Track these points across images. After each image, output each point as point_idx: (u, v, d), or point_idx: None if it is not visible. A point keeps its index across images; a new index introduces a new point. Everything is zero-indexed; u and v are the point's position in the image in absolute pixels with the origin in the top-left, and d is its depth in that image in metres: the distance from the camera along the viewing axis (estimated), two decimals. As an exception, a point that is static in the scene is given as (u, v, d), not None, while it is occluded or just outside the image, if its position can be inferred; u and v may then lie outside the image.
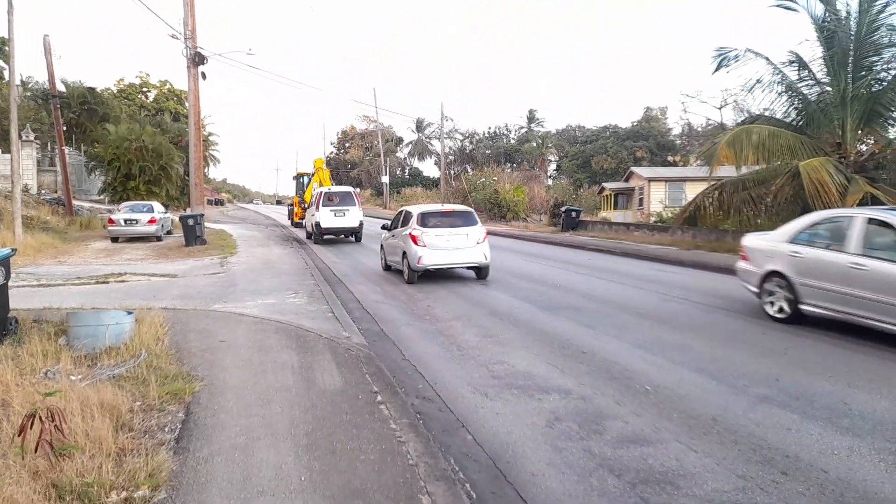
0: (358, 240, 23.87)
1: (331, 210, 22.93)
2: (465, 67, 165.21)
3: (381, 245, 15.91)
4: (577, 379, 6.23)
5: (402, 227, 13.94)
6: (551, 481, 4.12)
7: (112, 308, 7.86)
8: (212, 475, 3.88)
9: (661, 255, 17.48)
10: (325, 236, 23.75)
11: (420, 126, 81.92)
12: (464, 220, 13.54)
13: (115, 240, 22.28)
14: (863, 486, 3.92)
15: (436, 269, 13.17)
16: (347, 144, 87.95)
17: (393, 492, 3.73)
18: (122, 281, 12.68)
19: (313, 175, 32.74)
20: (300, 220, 30.97)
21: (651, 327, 8.45)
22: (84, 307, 8.61)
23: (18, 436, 3.43)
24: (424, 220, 13.25)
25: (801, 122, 18.44)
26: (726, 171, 20.67)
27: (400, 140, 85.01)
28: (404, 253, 13.39)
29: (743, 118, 21.84)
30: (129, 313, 7.09)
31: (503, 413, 5.38)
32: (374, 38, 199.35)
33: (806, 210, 17.82)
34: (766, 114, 19.34)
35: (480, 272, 13.50)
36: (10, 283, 7.57)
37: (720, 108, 57.26)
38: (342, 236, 24.34)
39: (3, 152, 27.41)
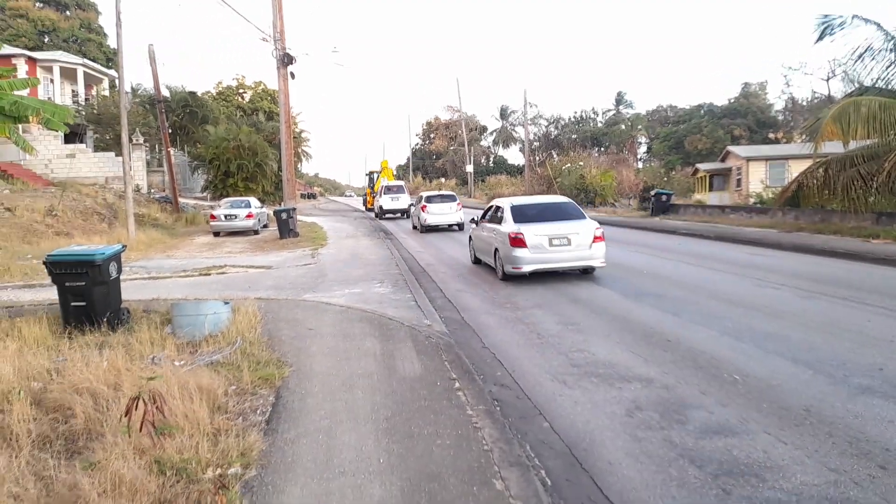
0: (407, 217, 32.04)
1: (389, 197, 34.05)
2: (549, 51, 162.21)
3: (411, 215, 28.51)
4: (660, 367, 6.07)
5: (418, 204, 25.37)
6: (628, 470, 4.07)
7: (212, 298, 8.41)
8: (298, 455, 4.11)
9: (758, 239, 16.60)
10: (385, 215, 33.85)
11: (504, 113, 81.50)
12: (450, 199, 24.94)
13: (216, 234, 23.69)
14: (975, 485, 3.62)
15: (435, 225, 23.99)
16: (432, 135, 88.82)
17: (468, 476, 3.81)
18: (222, 273, 13.50)
19: (380, 172, 42.62)
20: (371, 207, 40.21)
21: (743, 315, 8.07)
22: (188, 298, 9.24)
23: (125, 416, 3.78)
24: (429, 199, 24.60)
25: (918, 92, 16.87)
26: (833, 148, 19.27)
27: (484, 128, 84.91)
28: (419, 217, 24.70)
29: (852, 90, 20.21)
30: (227, 303, 7.57)
31: (581, 401, 5.34)
32: (456, 26, 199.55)
33: (924, 186, 16.35)
34: (879, 84, 17.82)
35: (460, 227, 23.47)
36: (123, 277, 8.28)
37: (827, 80, 53.14)
38: (398, 215, 34.00)
39: (116, 155, 29.72)
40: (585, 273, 11.78)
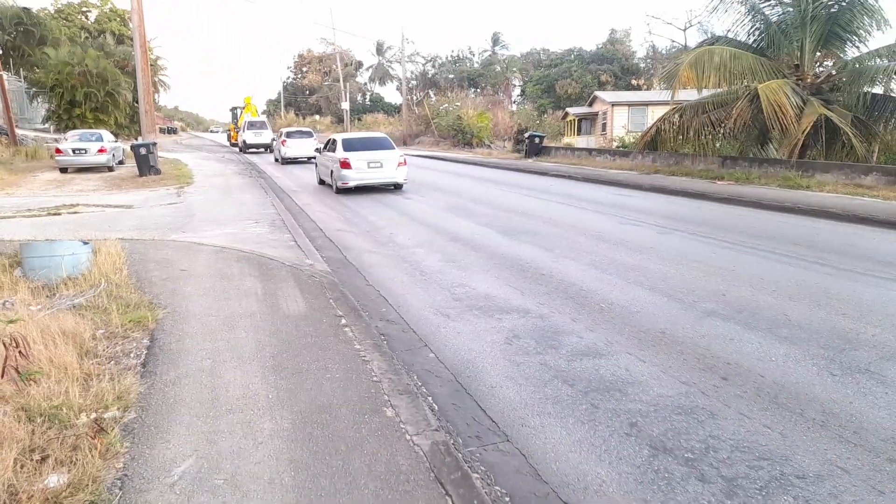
0: (270, 151, 34.35)
1: (253, 132, 36.18)
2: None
3: (274, 149, 30.57)
4: (535, 299, 6.45)
5: (279, 139, 28.16)
6: (508, 392, 4.35)
7: (67, 239, 7.69)
8: (180, 396, 3.97)
9: (621, 180, 17.74)
10: (249, 150, 36.22)
11: (380, 49, 79.33)
12: (308, 135, 28.41)
13: (63, 170, 21.45)
14: (795, 388, 4.24)
15: (293, 158, 26.78)
16: (304, 69, 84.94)
17: (358, 406, 3.90)
18: (75, 212, 12.34)
19: (244, 108, 43.32)
20: (235, 142, 42.23)
21: (607, 249, 8.70)
22: (38, 238, 8.40)
23: (-19, 363, 3.45)
24: (289, 135, 27.94)
25: (761, 44, 18.51)
26: (689, 95, 20.77)
27: (360, 64, 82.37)
28: (279, 150, 27.67)
29: (705, 39, 21.73)
30: (86, 243, 6.97)
31: (464, 332, 5.57)
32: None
33: (763, 133, 18.23)
34: (729, 35, 19.32)
35: (311, 159, 23.07)
36: (-44, 215, 7.33)
37: (685, 30, 56.78)
38: (261, 150, 36.21)
39: (-66, 78, 25.68)
40: (396, 188, 16.32)
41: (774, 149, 18.51)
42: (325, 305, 6.01)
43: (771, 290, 6.46)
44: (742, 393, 4.20)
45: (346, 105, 58.48)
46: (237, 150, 38.87)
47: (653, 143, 21.13)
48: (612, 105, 36.81)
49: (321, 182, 18.23)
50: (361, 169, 15.34)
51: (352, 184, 15.38)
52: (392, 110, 71.17)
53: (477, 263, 8.12)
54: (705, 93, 18.78)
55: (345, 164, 15.28)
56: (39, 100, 32.74)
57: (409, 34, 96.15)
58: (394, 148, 16.34)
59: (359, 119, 64.80)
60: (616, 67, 62.26)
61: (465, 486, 3.13)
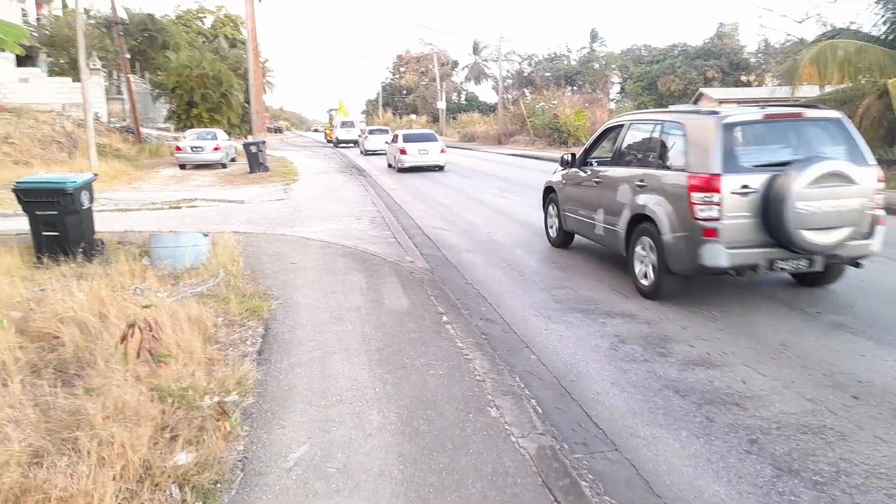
0: (357, 145, 40.21)
1: (344, 130, 44.59)
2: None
3: (359, 143, 37.55)
4: (641, 304, 6.22)
5: (362, 136, 35.91)
6: (615, 399, 4.22)
7: (189, 231, 8.23)
8: (293, 384, 4.14)
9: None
10: (340, 144, 43.75)
11: (476, 48, 79.31)
12: (384, 132, 33.76)
13: (182, 167, 23.03)
14: (939, 413, 3.85)
15: (373, 150, 32.20)
16: (402, 69, 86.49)
17: (462, 404, 3.91)
18: (193, 206, 13.20)
19: (337, 110, 53.46)
20: (330, 139, 50.01)
21: (718, 254, 8.25)
22: (163, 230, 9.03)
23: (121, 343, 3.73)
24: (371, 132, 34.66)
25: (891, 36, 16.95)
26: (805, 92, 19.39)
27: (455, 63, 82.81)
28: (363, 144, 34.65)
29: (824, 31, 20.14)
30: (206, 235, 7.43)
31: (566, 336, 5.46)
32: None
33: (892, 131, 16.71)
34: (852, 27, 17.84)
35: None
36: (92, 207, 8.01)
37: (801, 22, 53.02)
38: (350, 144, 42.83)
39: (73, 81, 28.27)
40: (440, 169, 21.86)
41: (905, 149, 16.92)
42: (427, 302, 6.08)
43: (907, 304, 5.91)
44: (877, 414, 3.85)
45: (441, 104, 59.19)
46: (332, 145, 46.55)
47: (765, 142, 19.87)
48: (720, 102, 35.03)
49: (389, 165, 24.17)
50: (414, 154, 21.53)
51: (407, 165, 21.50)
52: (487, 109, 71.04)
53: (578, 266, 7.95)
54: (827, 89, 17.45)
55: (403, 151, 21.59)
56: (161, 100, 35.25)
57: (505, 33, 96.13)
58: (437, 140, 22.67)
59: (454, 118, 65.15)
60: (724, 63, 59.07)
61: (574, 494, 3.06)
